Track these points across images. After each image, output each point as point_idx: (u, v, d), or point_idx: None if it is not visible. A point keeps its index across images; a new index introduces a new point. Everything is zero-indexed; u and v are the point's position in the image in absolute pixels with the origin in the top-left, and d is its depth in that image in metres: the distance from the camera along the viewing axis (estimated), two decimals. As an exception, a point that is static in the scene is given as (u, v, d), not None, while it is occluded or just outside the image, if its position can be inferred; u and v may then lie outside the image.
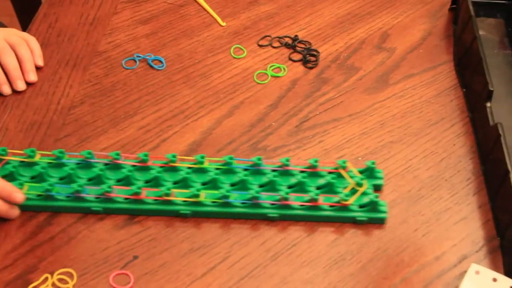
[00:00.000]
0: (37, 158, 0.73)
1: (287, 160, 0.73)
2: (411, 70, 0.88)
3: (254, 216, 0.71)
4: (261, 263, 0.67)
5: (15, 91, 0.83)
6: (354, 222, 0.70)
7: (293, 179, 0.73)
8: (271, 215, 0.70)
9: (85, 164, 0.74)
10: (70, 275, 0.65)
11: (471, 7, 0.85)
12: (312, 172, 0.74)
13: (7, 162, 0.73)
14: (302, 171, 0.74)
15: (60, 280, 0.65)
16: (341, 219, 0.71)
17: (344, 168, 0.73)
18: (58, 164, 0.73)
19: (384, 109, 0.83)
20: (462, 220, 0.71)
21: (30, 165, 0.73)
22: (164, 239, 0.69)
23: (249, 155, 0.77)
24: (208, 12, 0.96)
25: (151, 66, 0.88)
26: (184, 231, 0.70)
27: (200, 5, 0.97)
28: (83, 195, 0.70)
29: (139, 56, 0.89)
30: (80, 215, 0.71)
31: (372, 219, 0.70)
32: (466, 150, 0.78)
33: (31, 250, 0.67)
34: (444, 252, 0.69)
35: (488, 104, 0.77)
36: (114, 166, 0.74)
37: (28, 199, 0.70)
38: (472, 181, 0.75)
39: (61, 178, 0.73)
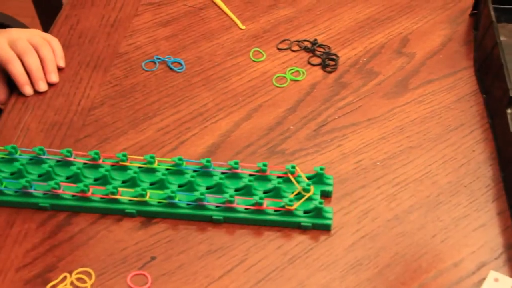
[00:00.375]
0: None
1: (236, 163, 0.74)
2: (431, 75, 0.88)
3: (199, 218, 0.71)
4: (278, 266, 0.67)
5: (36, 92, 0.84)
6: (299, 228, 0.70)
7: (241, 182, 0.73)
8: (215, 217, 0.70)
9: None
10: (89, 275, 0.66)
11: (492, 13, 0.85)
12: (261, 175, 0.74)
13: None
14: (250, 175, 0.74)
15: (78, 279, 0.65)
16: (285, 224, 0.71)
17: (292, 173, 0.73)
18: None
19: (403, 114, 0.83)
20: (481, 227, 0.71)
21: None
22: (181, 240, 0.69)
23: (267, 158, 0.77)
24: (228, 15, 0.97)
25: (171, 68, 0.88)
26: (201, 234, 0.70)
27: (220, 8, 0.98)
28: (31, 190, 0.71)
29: (159, 58, 0.89)
30: (98, 216, 0.71)
31: (317, 225, 0.70)
32: (486, 157, 0.78)
33: (51, 249, 0.68)
34: (462, 258, 0.68)
35: (509, 111, 0.76)
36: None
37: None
38: (492, 187, 0.75)
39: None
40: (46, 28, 0.90)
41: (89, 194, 0.71)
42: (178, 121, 0.82)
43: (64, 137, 0.79)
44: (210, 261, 0.68)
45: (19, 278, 0.65)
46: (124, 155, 0.74)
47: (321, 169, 0.74)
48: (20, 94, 0.83)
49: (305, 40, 0.93)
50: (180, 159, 0.74)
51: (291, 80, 0.87)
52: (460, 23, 0.95)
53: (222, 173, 0.74)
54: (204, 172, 0.74)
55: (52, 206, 0.71)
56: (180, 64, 0.89)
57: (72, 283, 0.65)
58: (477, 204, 0.73)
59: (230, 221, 0.71)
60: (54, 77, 0.84)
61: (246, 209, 0.71)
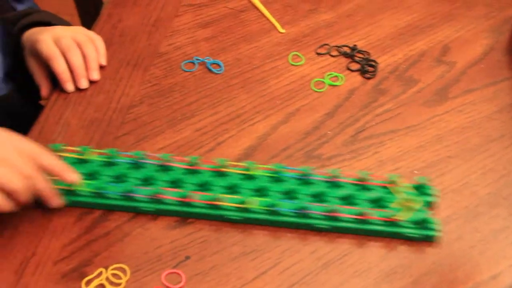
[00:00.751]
0: (91, 155, 0.75)
1: (335, 171, 0.73)
2: (472, 84, 0.87)
3: (302, 226, 0.70)
4: (312, 270, 0.67)
5: (78, 89, 0.85)
6: (405, 239, 0.69)
7: (343, 191, 0.72)
8: (319, 226, 0.70)
9: (137, 165, 0.75)
10: (124, 271, 0.66)
11: (537, 23, 0.84)
12: (363, 185, 0.73)
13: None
14: (352, 184, 0.73)
15: (114, 275, 0.66)
16: (391, 235, 0.70)
17: (395, 183, 0.72)
18: (110, 163, 0.75)
19: (442, 123, 0.82)
20: (520, 240, 0.70)
21: (84, 162, 0.75)
22: (215, 241, 0.70)
23: (303, 162, 0.77)
24: (267, 19, 0.97)
25: (210, 70, 0.89)
26: (235, 235, 0.70)
27: (260, 11, 0.98)
28: (134, 194, 0.71)
29: (198, 59, 0.90)
30: (134, 214, 0.72)
31: (423, 237, 0.69)
32: (526, 169, 0.77)
33: (87, 244, 0.69)
34: (501, 271, 0.67)
35: (552, 123, 0.75)
36: (164, 168, 0.74)
37: (82, 195, 0.71)
38: (532, 200, 0.73)
39: (114, 177, 0.74)
40: (85, 26, 0.91)
41: (192, 199, 0.71)
42: (215, 122, 0.82)
43: (103, 134, 0.80)
44: (243, 263, 0.68)
45: (57, 271, 0.66)
46: (224, 161, 0.74)
47: (425, 179, 0.73)
48: (62, 90, 0.84)
49: (344, 46, 0.92)
50: (279, 167, 0.73)
51: (329, 85, 0.87)
52: (503, 32, 0.94)
53: (324, 181, 0.73)
54: (305, 180, 0.73)
55: (156, 210, 0.71)
56: (219, 65, 0.89)
57: (107, 279, 0.65)
58: (516, 217, 0.72)
59: (334, 230, 0.70)
60: (95, 75, 0.85)
61: (350, 218, 0.70)
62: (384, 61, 0.90)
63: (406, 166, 0.77)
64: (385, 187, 0.73)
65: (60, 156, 0.74)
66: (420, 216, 0.70)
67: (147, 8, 0.97)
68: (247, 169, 0.74)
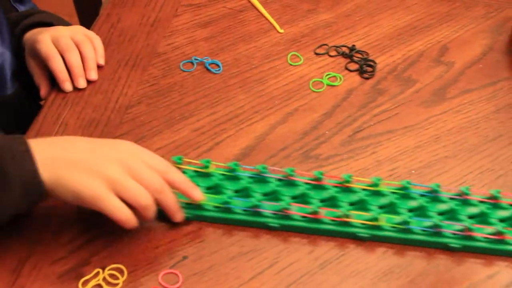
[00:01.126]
0: (211, 168, 0.73)
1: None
2: (470, 85, 0.87)
3: (433, 245, 0.68)
4: (309, 270, 0.67)
5: (76, 88, 0.85)
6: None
7: (473, 209, 0.70)
8: (452, 245, 0.68)
9: (259, 178, 0.73)
10: (121, 271, 0.66)
11: (535, 24, 0.84)
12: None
13: (183, 171, 0.73)
14: (482, 202, 0.71)
15: (111, 275, 0.66)
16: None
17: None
18: (232, 176, 0.73)
19: (440, 123, 0.82)
20: (517, 240, 0.70)
21: (205, 175, 0.73)
22: (213, 241, 0.70)
23: (301, 162, 0.77)
24: (266, 19, 0.97)
25: (208, 70, 0.89)
26: (232, 235, 0.70)
27: (259, 11, 0.98)
28: (260, 210, 0.70)
29: (197, 59, 0.90)
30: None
31: None
32: (524, 169, 0.77)
33: (85, 244, 0.69)
34: (497, 271, 0.67)
35: (550, 123, 0.75)
36: (288, 182, 0.72)
37: (206, 209, 0.70)
38: (529, 201, 0.73)
39: (236, 191, 0.72)
40: (84, 26, 0.91)
41: (320, 216, 0.69)
42: (213, 122, 0.82)
43: (101, 134, 0.80)
44: (241, 263, 0.68)
45: (53, 271, 0.66)
46: (349, 176, 0.72)
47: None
48: (60, 90, 0.84)
49: (343, 46, 0.92)
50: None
51: (327, 85, 0.87)
52: (502, 32, 0.94)
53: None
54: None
55: (281, 226, 0.69)
56: (218, 65, 0.89)
57: (104, 279, 0.66)
58: (513, 217, 0.72)
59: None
60: (93, 75, 0.85)
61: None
62: (382, 61, 0.90)
63: (404, 166, 0.77)
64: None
65: (181, 168, 0.73)
66: None
67: (146, 8, 0.98)
68: (375, 185, 0.72)
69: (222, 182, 0.72)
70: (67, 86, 0.84)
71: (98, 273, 0.66)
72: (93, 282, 0.65)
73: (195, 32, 0.94)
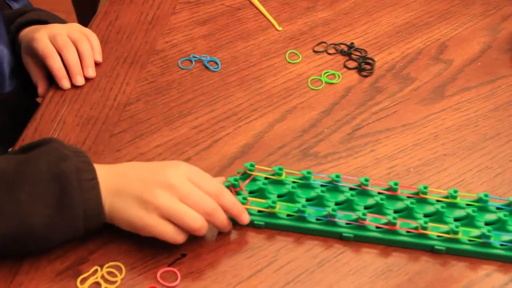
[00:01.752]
0: (283, 176, 0.72)
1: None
2: (468, 83, 0.87)
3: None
4: (307, 268, 0.67)
5: (74, 86, 0.85)
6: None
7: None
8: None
9: (332, 187, 0.72)
10: (119, 269, 0.66)
11: (534, 21, 0.84)
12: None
13: (255, 178, 0.72)
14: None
15: (109, 273, 0.66)
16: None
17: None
18: (305, 185, 0.72)
19: (438, 121, 0.82)
20: (515, 238, 0.70)
21: (277, 182, 0.72)
22: (212, 239, 0.70)
23: (299, 160, 0.77)
24: (265, 16, 0.97)
25: (207, 67, 0.89)
26: (231, 233, 0.70)
27: (257, 8, 0.98)
28: (335, 219, 0.69)
29: (195, 57, 0.90)
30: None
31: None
32: (522, 167, 0.77)
33: (83, 242, 0.68)
34: (495, 269, 0.67)
35: (548, 121, 0.75)
36: (361, 192, 0.72)
37: (279, 218, 0.70)
38: (527, 199, 0.73)
39: (307, 199, 0.71)
40: (82, 23, 0.91)
41: (396, 227, 0.68)
42: (212, 120, 0.82)
43: (99, 132, 0.80)
44: (239, 261, 0.68)
45: (51, 269, 0.66)
46: (425, 188, 0.71)
47: None
48: (58, 87, 0.84)
49: (341, 43, 0.92)
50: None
51: (326, 83, 0.87)
52: (501, 30, 0.94)
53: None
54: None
55: (355, 237, 0.69)
56: (216, 63, 0.89)
57: (102, 277, 0.65)
58: (512, 215, 0.72)
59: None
60: (91, 72, 0.85)
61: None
62: (381, 59, 0.90)
63: (402, 164, 0.77)
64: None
65: (252, 175, 0.72)
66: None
67: (144, 6, 0.97)
68: (453, 197, 0.70)
69: (295, 190, 0.71)
70: (65, 84, 0.84)
71: (96, 270, 0.66)
72: (91, 280, 0.65)
73: (193, 30, 0.94)
